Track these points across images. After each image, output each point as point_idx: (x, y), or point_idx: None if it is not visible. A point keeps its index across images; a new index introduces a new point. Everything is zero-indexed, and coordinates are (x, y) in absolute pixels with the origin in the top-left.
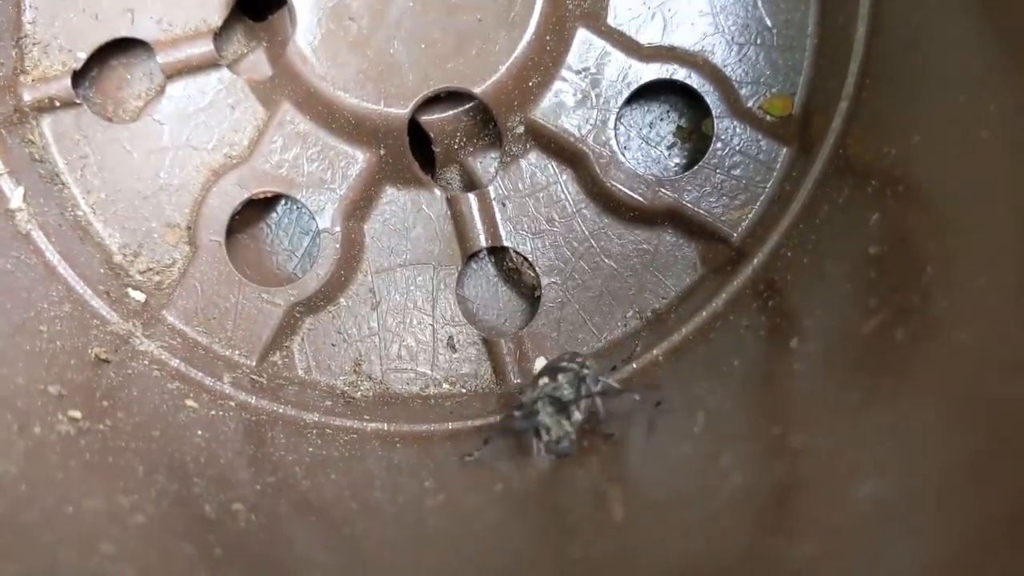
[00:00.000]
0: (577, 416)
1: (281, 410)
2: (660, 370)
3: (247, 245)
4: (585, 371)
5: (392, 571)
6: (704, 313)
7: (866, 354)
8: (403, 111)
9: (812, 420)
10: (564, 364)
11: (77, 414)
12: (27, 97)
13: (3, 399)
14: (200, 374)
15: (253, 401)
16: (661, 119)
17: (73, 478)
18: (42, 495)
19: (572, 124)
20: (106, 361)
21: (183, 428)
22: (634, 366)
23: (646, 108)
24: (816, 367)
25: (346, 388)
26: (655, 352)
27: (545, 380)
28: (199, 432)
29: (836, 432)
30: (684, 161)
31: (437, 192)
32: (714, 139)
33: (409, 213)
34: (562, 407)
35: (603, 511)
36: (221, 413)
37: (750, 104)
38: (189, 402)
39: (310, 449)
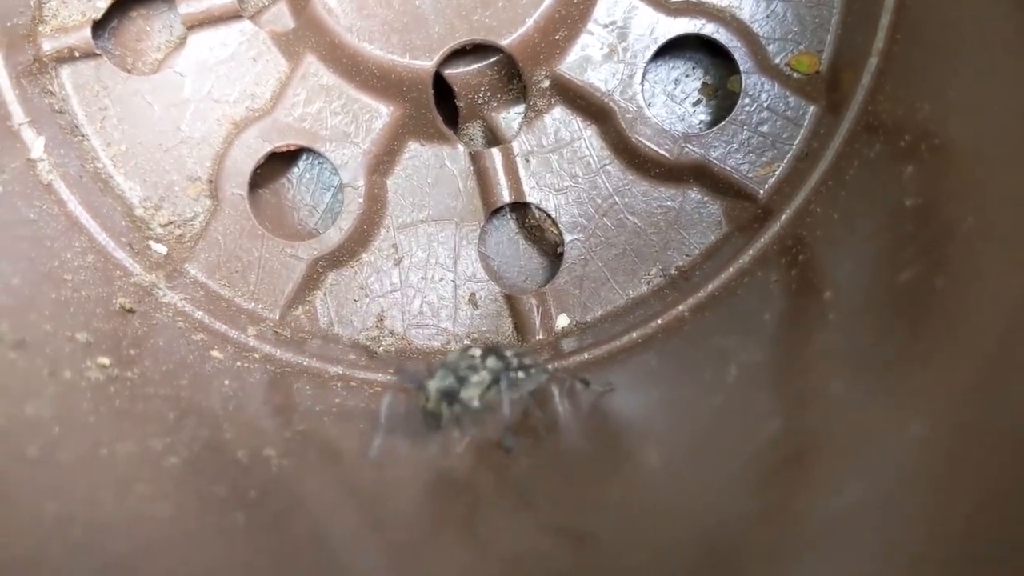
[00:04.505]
0: (462, 404)
1: (305, 363)
2: (686, 325)
3: (268, 200)
4: (514, 373)
5: (417, 517)
6: (731, 269)
7: (901, 306)
8: (428, 64)
9: (846, 371)
10: (506, 354)
11: (106, 361)
12: (46, 47)
13: (32, 344)
14: (224, 326)
15: (278, 353)
16: (686, 75)
17: (105, 422)
18: (76, 438)
19: (598, 79)
20: (131, 311)
21: (210, 377)
22: (659, 322)
23: (671, 64)
24: (848, 319)
25: (368, 343)
26: (680, 308)
27: (476, 353)
28: (226, 382)
29: (870, 382)
30: (709, 118)
31: (460, 147)
32: (742, 95)
33: (432, 168)
34: (455, 387)
35: (639, 457)
36: (247, 364)
37: (777, 61)
38: (214, 353)
39: (336, 400)
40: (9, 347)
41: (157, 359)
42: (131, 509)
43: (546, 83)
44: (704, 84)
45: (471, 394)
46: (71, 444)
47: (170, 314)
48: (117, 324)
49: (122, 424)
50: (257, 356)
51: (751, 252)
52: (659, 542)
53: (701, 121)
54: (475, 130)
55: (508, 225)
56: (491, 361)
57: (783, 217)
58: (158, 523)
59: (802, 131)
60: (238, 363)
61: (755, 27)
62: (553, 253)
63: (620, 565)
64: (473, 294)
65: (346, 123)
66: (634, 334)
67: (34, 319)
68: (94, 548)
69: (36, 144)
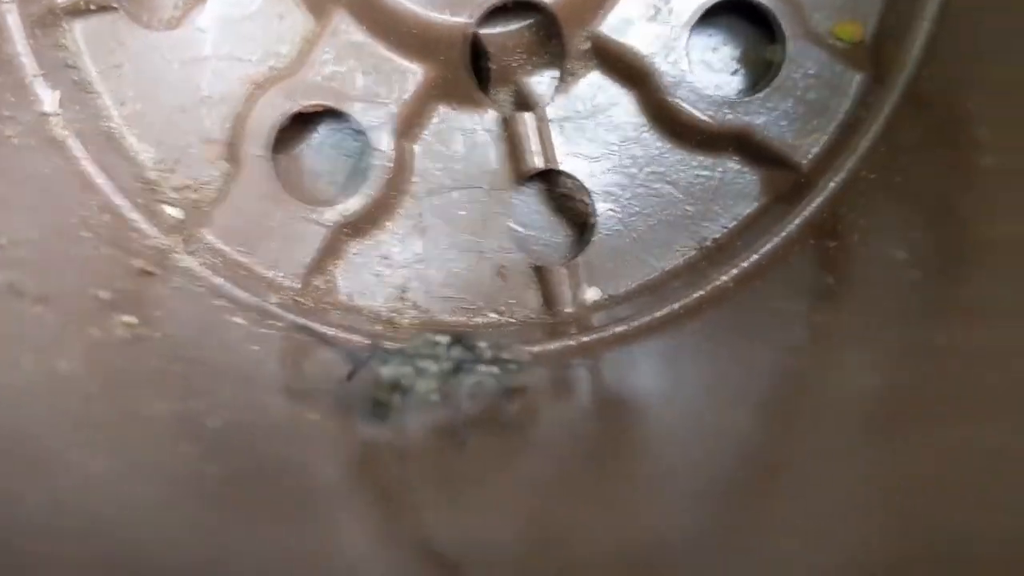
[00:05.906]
0: (416, 397)
1: (331, 333)
2: (735, 295)
3: (287, 167)
4: (484, 367)
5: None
6: (776, 239)
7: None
8: (470, 21)
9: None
10: (479, 345)
11: (132, 319)
12: None
13: (56, 299)
14: (244, 293)
15: (301, 322)
16: (724, 43)
17: (142, 381)
18: (115, 395)
19: (641, 42)
20: (151, 274)
21: (238, 342)
22: (702, 293)
23: (708, 32)
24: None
25: (392, 315)
26: (724, 279)
27: (442, 340)
28: (254, 347)
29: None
30: (746, 87)
31: (491, 112)
32: (786, 62)
33: (461, 133)
34: (411, 376)
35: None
36: (271, 332)
37: (821, 29)
38: (237, 319)
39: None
40: (33, 301)
41: (181, 321)
42: (180, 468)
43: (586, 45)
44: (742, 53)
45: (426, 386)
46: (110, 401)
47: (187, 278)
48: (139, 285)
49: (159, 383)
50: (281, 324)
51: (798, 221)
52: None
53: (738, 91)
54: (503, 95)
55: (537, 194)
56: (456, 351)
57: (830, 186)
58: (208, 480)
59: (847, 100)
60: (262, 329)
61: None
62: (583, 224)
63: None
64: (501, 266)
65: (377, 83)
66: (675, 305)
67: (55, 274)
68: (145, 504)
69: (50, 98)
